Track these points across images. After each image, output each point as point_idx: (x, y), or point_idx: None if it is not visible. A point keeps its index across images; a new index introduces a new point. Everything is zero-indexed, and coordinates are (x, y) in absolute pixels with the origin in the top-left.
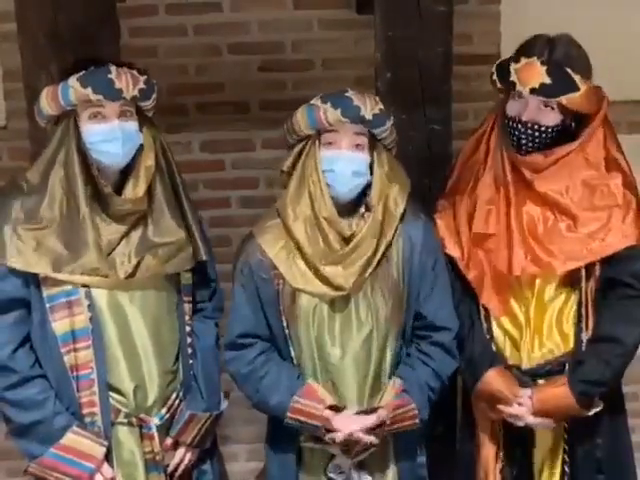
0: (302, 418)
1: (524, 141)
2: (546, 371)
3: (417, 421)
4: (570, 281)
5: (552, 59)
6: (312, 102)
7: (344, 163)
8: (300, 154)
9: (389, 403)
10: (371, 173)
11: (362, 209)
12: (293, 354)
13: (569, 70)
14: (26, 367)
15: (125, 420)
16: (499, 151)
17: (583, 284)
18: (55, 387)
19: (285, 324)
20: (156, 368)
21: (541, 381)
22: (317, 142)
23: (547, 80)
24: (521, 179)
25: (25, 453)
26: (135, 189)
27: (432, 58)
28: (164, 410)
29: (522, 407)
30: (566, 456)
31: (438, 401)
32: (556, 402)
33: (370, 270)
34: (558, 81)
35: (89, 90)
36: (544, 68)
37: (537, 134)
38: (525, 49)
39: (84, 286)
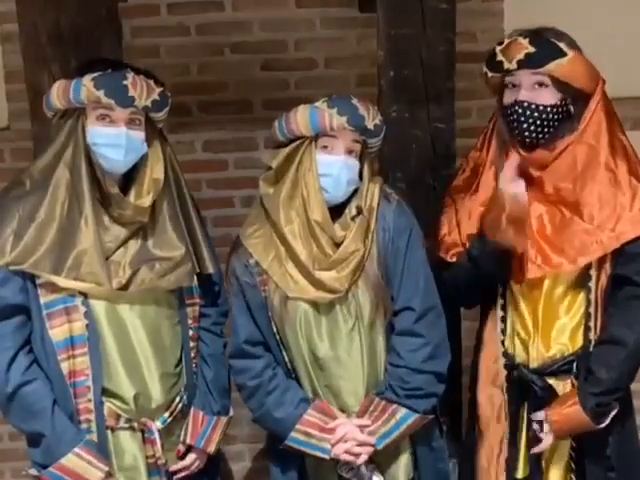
0: (313, 431)
1: (525, 125)
2: (553, 370)
3: (405, 412)
4: (580, 280)
5: (534, 34)
6: (316, 105)
7: (340, 168)
8: (293, 155)
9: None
10: (360, 178)
11: (349, 212)
12: (287, 358)
13: (553, 39)
14: (20, 372)
15: (126, 425)
16: (502, 151)
17: (593, 283)
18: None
19: (275, 329)
20: (157, 372)
21: (550, 380)
22: (313, 145)
23: (531, 49)
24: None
25: (29, 457)
26: (140, 199)
27: (435, 56)
28: (167, 414)
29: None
30: (572, 452)
31: (442, 397)
32: (570, 422)
33: (360, 271)
34: (542, 48)
35: (101, 93)
36: (527, 40)
37: (536, 114)
38: (508, 35)
39: (81, 293)
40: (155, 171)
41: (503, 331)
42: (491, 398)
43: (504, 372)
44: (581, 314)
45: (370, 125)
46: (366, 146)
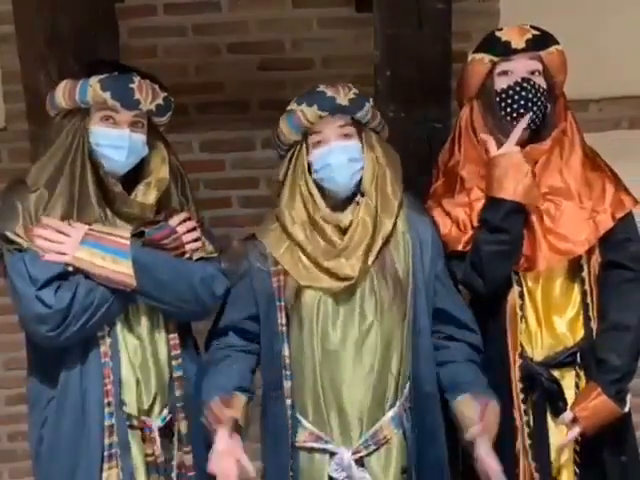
0: (211, 419)
1: (530, 104)
2: (558, 362)
3: None
4: (572, 272)
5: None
6: (288, 108)
7: (337, 154)
8: (290, 161)
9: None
10: None
11: (358, 197)
12: (286, 353)
13: (544, 29)
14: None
15: (127, 423)
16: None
17: (585, 274)
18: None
19: (283, 321)
20: (154, 367)
21: (554, 372)
22: (304, 145)
23: (536, 32)
24: None
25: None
26: (146, 196)
27: (431, 56)
28: (165, 411)
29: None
30: (577, 446)
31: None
32: (599, 413)
33: (373, 256)
34: (544, 33)
35: (107, 94)
36: (527, 26)
37: (539, 95)
38: (497, 28)
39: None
40: (161, 171)
41: (522, 318)
42: (515, 381)
43: (519, 362)
44: (578, 305)
45: (344, 101)
46: (361, 124)
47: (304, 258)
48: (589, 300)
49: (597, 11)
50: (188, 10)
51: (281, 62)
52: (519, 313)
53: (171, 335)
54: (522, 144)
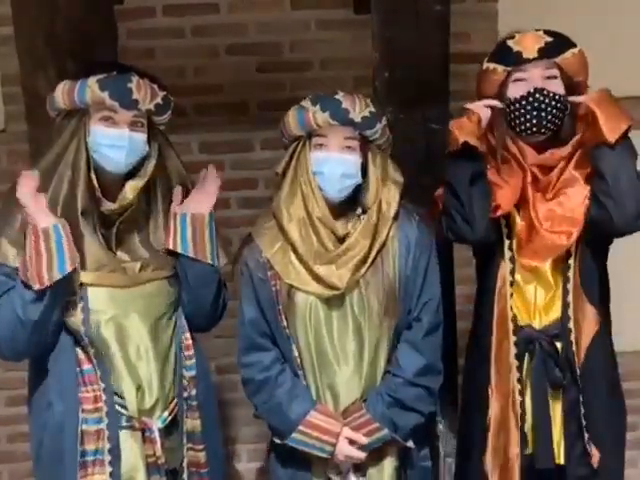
0: (315, 433)
1: (543, 113)
2: (554, 334)
3: (384, 433)
4: (564, 255)
5: (540, 30)
6: (302, 103)
7: (333, 165)
8: (292, 155)
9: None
10: (365, 174)
11: (359, 210)
12: (296, 353)
13: (559, 32)
14: None
15: (127, 424)
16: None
17: (572, 261)
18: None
19: (285, 323)
20: (156, 370)
21: (558, 344)
22: (308, 143)
23: (549, 39)
24: (533, 179)
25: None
26: (125, 196)
27: (430, 57)
28: (166, 413)
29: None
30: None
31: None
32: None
33: (364, 270)
34: (558, 39)
35: (105, 94)
36: (540, 32)
37: (554, 103)
38: (509, 34)
39: (81, 285)
40: (149, 167)
41: (512, 283)
42: (502, 353)
43: (511, 326)
44: (561, 289)
45: (357, 117)
46: (367, 140)
47: (295, 259)
48: (570, 286)
49: (596, 11)
50: (187, 12)
51: (280, 64)
52: (509, 290)
53: (185, 335)
54: (542, 147)
